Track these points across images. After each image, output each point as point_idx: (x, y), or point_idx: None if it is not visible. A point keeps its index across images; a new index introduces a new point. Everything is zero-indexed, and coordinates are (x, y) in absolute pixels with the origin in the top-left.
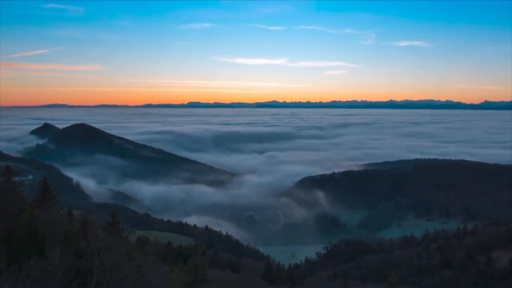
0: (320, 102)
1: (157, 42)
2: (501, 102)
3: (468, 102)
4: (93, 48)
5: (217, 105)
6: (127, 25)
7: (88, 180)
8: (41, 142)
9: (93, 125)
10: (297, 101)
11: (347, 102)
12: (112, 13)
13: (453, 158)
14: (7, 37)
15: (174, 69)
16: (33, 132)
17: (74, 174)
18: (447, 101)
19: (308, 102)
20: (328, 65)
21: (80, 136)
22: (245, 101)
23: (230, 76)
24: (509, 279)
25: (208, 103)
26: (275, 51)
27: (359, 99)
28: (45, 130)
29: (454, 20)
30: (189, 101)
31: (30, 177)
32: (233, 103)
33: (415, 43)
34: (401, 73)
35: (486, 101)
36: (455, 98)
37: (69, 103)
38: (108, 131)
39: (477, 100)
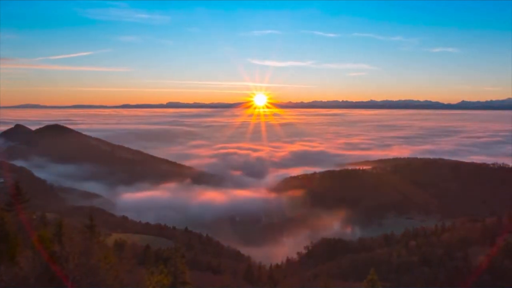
0: (301, 102)
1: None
2: (478, 102)
3: (446, 102)
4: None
5: (196, 105)
6: (195, 31)
7: (63, 182)
8: (12, 143)
9: (67, 125)
10: (280, 101)
11: (328, 102)
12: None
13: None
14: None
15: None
16: (3, 134)
17: (48, 176)
18: (426, 101)
19: (290, 102)
20: (350, 67)
21: (54, 137)
22: (226, 102)
23: (244, 77)
24: (485, 275)
25: (187, 103)
26: (306, 53)
27: (340, 100)
28: (16, 131)
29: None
30: (168, 101)
31: (1, 180)
32: (212, 103)
33: (450, 49)
34: (401, 74)
35: (463, 101)
36: (434, 98)
37: (43, 103)
38: (82, 132)
39: (454, 101)
